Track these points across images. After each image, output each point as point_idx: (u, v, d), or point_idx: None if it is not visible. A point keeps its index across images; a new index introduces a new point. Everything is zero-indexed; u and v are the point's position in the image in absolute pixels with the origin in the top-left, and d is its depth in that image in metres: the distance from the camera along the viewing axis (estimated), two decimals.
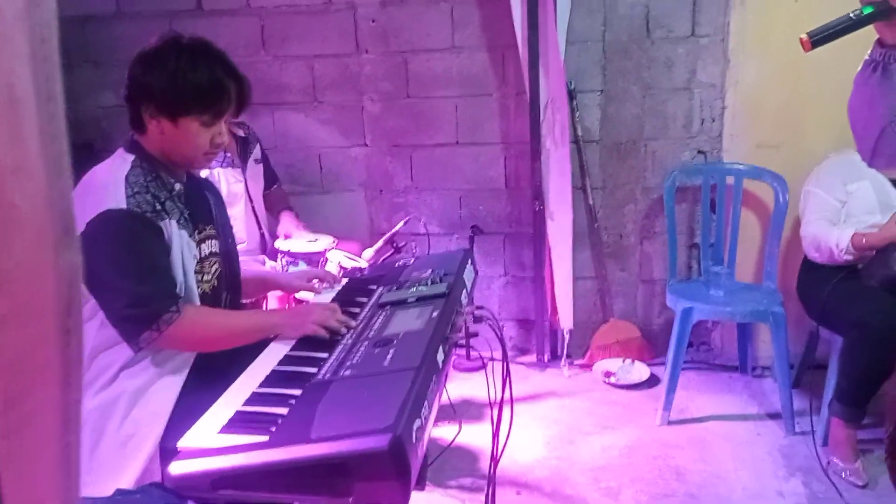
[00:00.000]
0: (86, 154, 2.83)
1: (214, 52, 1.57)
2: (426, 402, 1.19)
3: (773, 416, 2.79)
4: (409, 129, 3.22)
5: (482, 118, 3.18)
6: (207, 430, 1.16)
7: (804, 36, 1.40)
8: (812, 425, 2.61)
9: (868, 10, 1.37)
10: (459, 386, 2.99)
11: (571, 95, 3.06)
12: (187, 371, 1.49)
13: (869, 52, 1.49)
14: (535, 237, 3.14)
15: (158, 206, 1.47)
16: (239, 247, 2.62)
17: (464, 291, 1.73)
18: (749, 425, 2.76)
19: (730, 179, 2.99)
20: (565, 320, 3.17)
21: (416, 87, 3.18)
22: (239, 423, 1.18)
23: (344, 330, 1.51)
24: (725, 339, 3.24)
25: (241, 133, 2.83)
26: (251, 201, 2.82)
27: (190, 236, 1.53)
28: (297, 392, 1.25)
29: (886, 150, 1.51)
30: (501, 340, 1.56)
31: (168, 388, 1.45)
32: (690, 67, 2.99)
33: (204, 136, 1.54)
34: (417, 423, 1.12)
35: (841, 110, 1.59)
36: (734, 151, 3.03)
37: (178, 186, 1.56)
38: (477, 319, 1.58)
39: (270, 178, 2.97)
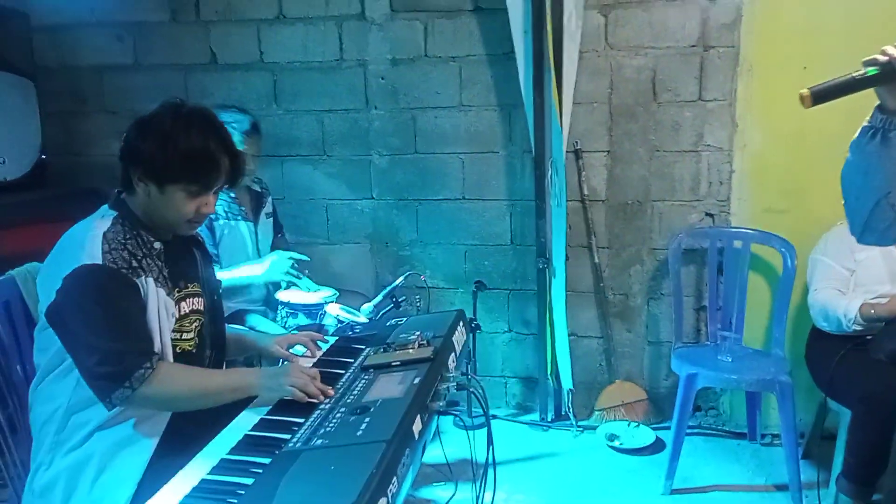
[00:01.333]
0: (94, 199, 2.89)
1: (211, 124, 1.55)
2: (395, 478, 1.16)
3: (781, 487, 2.69)
4: (416, 183, 3.24)
5: (489, 175, 3.19)
6: (169, 499, 1.13)
7: (805, 91, 1.35)
8: (819, 499, 2.51)
9: (873, 72, 1.33)
10: (460, 445, 2.92)
11: (578, 155, 3.07)
12: (161, 433, 1.47)
13: (868, 118, 1.43)
14: (538, 294, 3.12)
15: (135, 264, 1.46)
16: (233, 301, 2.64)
17: (452, 355, 1.71)
18: (755, 497, 2.67)
19: (737, 243, 2.95)
20: (566, 380, 3.12)
21: (423, 143, 3.20)
22: (201, 492, 1.15)
23: (322, 398, 1.48)
24: (735, 404, 3.16)
25: (256, 188, 2.87)
26: (259, 255, 2.83)
27: (168, 294, 1.52)
28: (266, 461, 1.23)
29: (879, 224, 1.44)
30: (485, 410, 1.53)
31: (140, 452, 1.43)
32: (698, 131, 2.99)
33: (189, 205, 1.53)
34: (383, 500, 1.09)
35: None
36: (742, 215, 3.00)
37: (157, 245, 1.55)
38: (461, 387, 1.55)
39: (276, 227, 3.01)
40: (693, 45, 2.92)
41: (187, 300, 1.60)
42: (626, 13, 2.94)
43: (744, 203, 2.99)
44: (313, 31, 3.16)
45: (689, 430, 2.94)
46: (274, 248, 2.94)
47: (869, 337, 2.44)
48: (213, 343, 1.69)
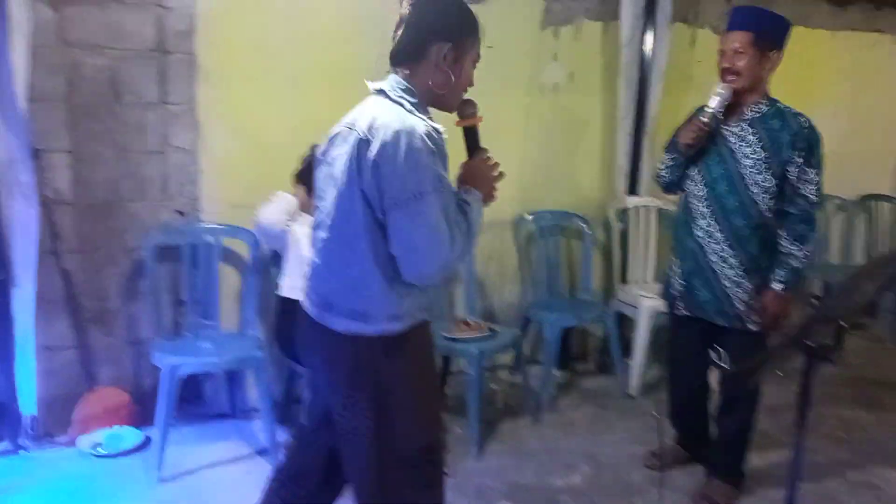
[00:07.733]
0: None
1: None
2: None
3: (262, 452, 3.03)
4: None
5: None
6: None
7: None
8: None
9: None
10: None
11: (36, 155, 2.87)
12: None
13: None
14: None
15: None
16: None
17: None
18: (241, 466, 2.95)
19: (209, 238, 3.18)
20: (28, 405, 2.89)
21: None
22: None
23: None
24: (218, 388, 3.39)
25: None
26: None
27: None
28: None
29: None
30: None
31: None
32: (163, 132, 3.10)
33: None
34: None
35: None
36: (212, 211, 3.22)
37: None
38: None
39: None
40: (153, 50, 3.02)
41: None
42: (79, 10, 2.87)
43: (213, 200, 3.22)
44: None
45: (178, 422, 3.05)
46: None
47: None
48: None
